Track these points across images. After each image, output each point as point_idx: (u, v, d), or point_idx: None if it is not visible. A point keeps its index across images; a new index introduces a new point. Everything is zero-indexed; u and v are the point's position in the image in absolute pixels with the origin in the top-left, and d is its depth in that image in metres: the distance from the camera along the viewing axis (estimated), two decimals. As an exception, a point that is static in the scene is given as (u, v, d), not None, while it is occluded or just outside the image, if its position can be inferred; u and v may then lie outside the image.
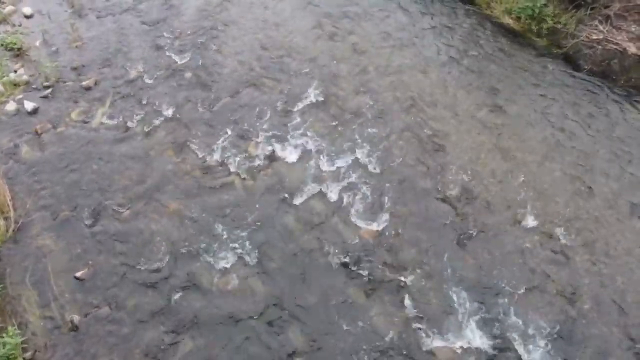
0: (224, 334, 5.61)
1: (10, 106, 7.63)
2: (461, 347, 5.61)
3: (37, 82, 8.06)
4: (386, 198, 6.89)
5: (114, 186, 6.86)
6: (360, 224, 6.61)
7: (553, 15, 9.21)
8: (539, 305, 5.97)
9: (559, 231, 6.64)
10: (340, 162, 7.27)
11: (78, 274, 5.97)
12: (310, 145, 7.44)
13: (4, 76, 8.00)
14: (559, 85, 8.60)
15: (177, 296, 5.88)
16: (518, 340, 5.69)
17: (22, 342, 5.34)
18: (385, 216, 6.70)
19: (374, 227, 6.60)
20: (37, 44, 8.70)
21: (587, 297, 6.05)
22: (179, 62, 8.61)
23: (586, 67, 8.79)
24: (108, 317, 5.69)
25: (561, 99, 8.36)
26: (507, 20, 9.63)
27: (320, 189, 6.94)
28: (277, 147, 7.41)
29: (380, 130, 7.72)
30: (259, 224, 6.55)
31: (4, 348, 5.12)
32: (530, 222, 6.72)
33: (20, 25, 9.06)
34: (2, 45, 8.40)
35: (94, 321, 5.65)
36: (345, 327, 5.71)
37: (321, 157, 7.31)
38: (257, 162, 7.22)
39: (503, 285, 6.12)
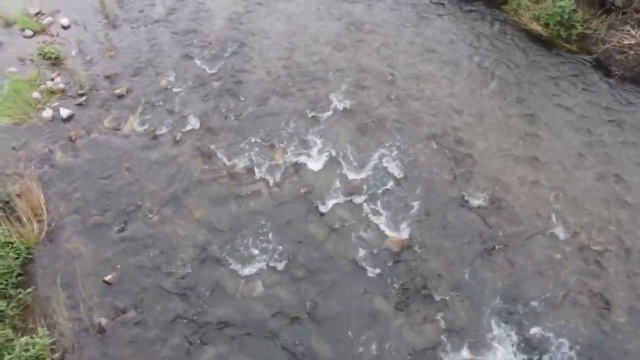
0: (248, 340, 5.62)
1: (47, 113, 7.90)
2: (489, 360, 5.48)
3: (72, 90, 8.32)
4: (413, 206, 6.82)
5: (142, 192, 6.99)
6: (387, 232, 6.56)
7: (583, 21, 9.03)
8: (571, 318, 5.79)
9: (591, 241, 6.44)
10: (366, 170, 7.24)
11: (106, 278, 6.10)
12: (336, 153, 7.44)
13: (41, 84, 8.30)
14: (589, 91, 8.40)
15: (202, 301, 5.93)
16: (548, 354, 5.52)
17: (51, 344, 5.47)
18: (412, 225, 6.62)
19: (401, 235, 6.53)
20: (73, 53, 9.00)
21: (622, 310, 5.84)
22: (207, 71, 8.77)
23: (617, 72, 8.57)
24: (134, 320, 5.78)
25: (591, 106, 8.15)
26: (536, 27, 9.47)
27: (346, 197, 6.92)
28: (304, 155, 7.44)
29: (407, 138, 7.67)
30: (285, 231, 6.57)
31: (33, 348, 5.23)
32: (561, 232, 6.55)
33: (57, 36, 9.41)
34: (40, 54, 8.72)
35: (120, 324, 5.75)
36: (370, 337, 5.64)
37: (347, 165, 7.29)
38: (284, 170, 7.26)
39: (533, 296, 5.96)
